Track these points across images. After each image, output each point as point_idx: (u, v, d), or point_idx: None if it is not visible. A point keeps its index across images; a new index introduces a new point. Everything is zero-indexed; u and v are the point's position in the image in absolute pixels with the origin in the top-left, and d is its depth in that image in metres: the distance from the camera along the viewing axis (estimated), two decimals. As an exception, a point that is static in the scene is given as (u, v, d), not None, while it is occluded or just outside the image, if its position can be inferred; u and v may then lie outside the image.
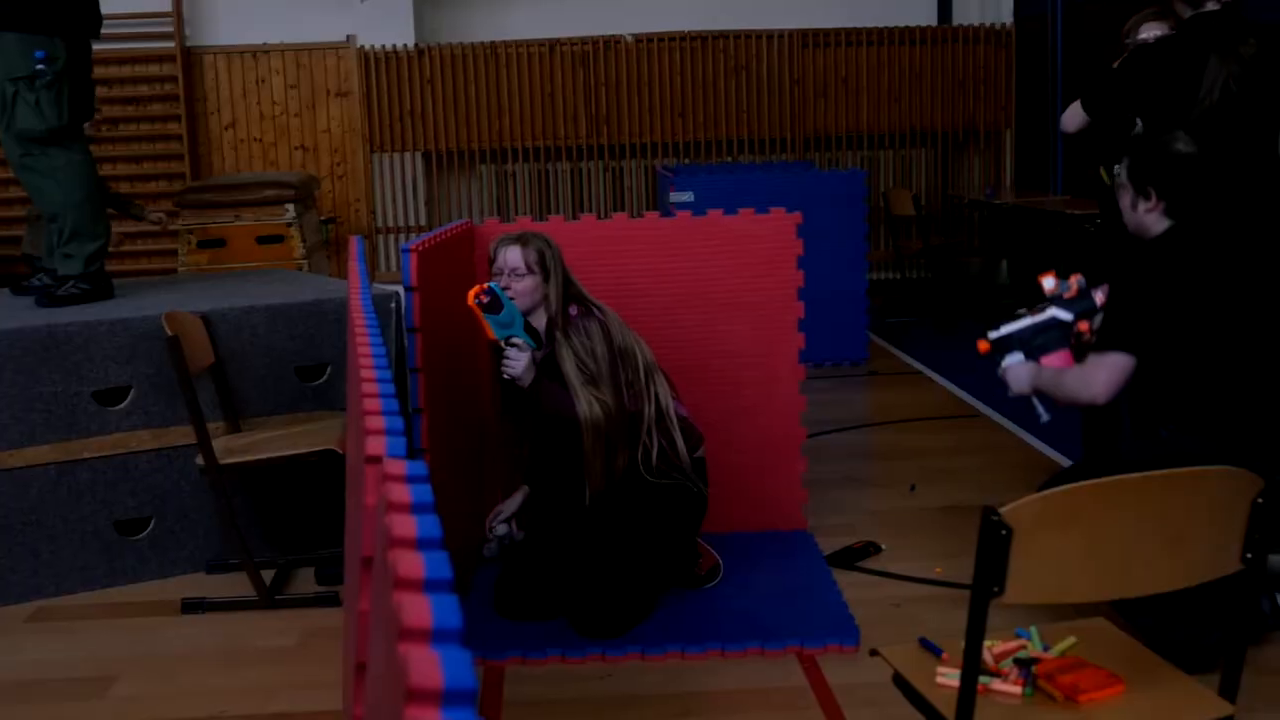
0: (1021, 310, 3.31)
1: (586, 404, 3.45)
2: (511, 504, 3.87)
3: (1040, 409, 3.24)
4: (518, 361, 3.45)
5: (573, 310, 3.57)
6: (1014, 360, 3.26)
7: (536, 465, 3.83)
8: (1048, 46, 9.16)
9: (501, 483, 4.16)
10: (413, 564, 0.87)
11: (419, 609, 0.79)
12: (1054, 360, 3.20)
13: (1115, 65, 4.27)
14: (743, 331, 4.15)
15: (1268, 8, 5.25)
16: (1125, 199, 3.20)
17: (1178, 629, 2.91)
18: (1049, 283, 3.28)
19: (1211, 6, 3.95)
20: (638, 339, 3.64)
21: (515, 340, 3.45)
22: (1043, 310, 3.26)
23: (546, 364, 3.52)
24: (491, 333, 3.43)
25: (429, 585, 0.84)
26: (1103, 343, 2.99)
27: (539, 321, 3.60)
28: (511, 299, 3.48)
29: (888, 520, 4.40)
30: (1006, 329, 3.28)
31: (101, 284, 4.40)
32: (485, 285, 3.38)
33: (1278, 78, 3.94)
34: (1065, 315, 3.21)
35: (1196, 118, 3.84)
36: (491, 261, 3.63)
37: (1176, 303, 2.96)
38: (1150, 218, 3.14)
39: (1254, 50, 3.88)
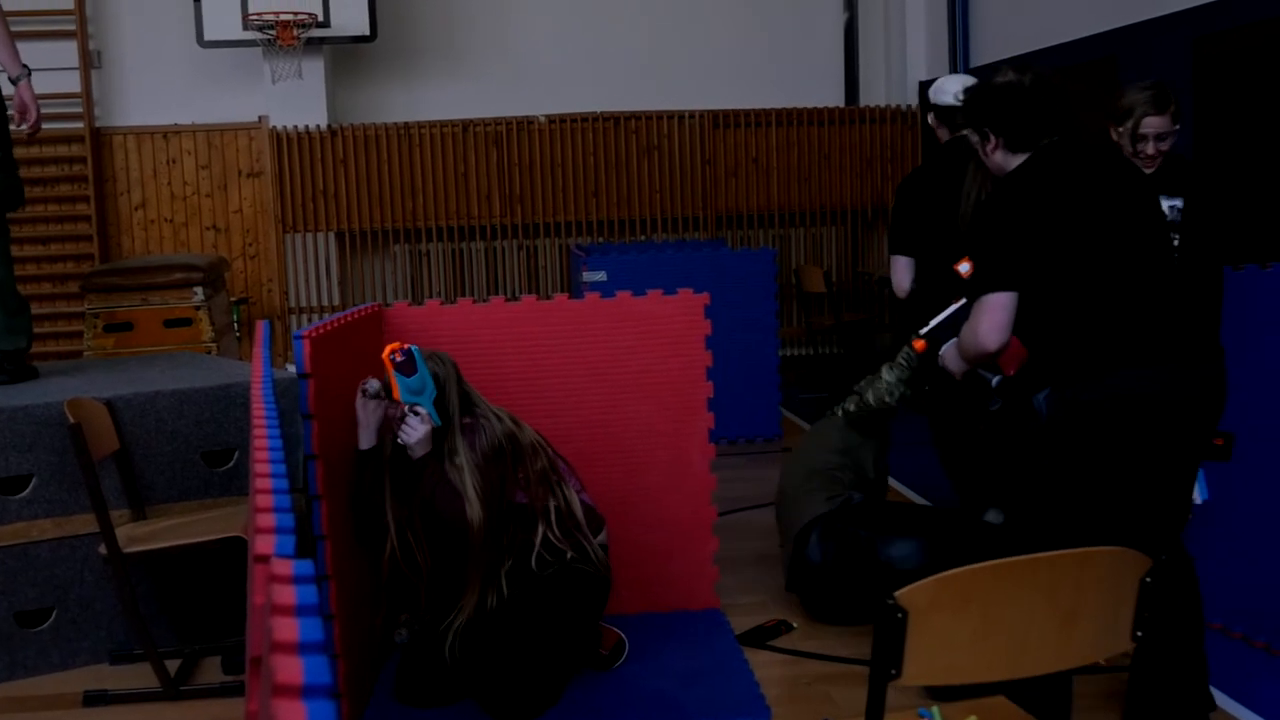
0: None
1: (476, 507, 3.42)
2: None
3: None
4: (415, 430, 3.41)
5: (466, 421, 3.53)
6: (949, 345, 3.26)
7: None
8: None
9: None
10: (292, 670, 0.87)
11: (294, 717, 0.80)
12: None
13: (893, 208, 4.71)
14: (652, 411, 4.17)
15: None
16: (978, 146, 3.08)
17: None
18: (965, 268, 3.34)
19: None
20: (538, 435, 3.64)
21: (419, 409, 3.42)
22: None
23: (438, 454, 3.49)
24: (398, 393, 3.39)
25: (307, 692, 0.84)
26: (976, 288, 2.86)
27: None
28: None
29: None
30: (935, 321, 3.41)
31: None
32: (406, 345, 3.36)
33: None
34: None
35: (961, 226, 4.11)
36: None
37: (1035, 230, 2.81)
38: (999, 156, 3.01)
39: None
